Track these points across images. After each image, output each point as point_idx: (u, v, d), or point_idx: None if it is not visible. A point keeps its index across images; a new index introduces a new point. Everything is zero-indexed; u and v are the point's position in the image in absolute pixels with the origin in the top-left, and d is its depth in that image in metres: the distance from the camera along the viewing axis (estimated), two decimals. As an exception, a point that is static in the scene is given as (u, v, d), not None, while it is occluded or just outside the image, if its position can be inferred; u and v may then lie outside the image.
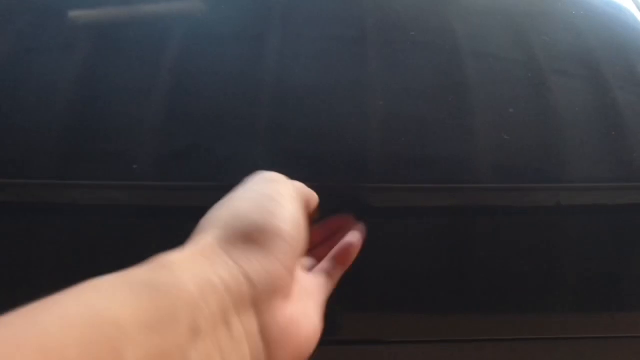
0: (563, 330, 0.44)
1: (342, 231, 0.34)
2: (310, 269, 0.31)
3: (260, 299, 0.23)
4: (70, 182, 0.40)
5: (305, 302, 0.26)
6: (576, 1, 0.56)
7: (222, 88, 0.46)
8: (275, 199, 0.26)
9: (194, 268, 0.21)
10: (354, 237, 0.32)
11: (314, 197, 0.31)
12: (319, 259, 0.32)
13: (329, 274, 0.30)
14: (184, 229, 0.25)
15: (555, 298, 0.43)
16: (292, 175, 0.31)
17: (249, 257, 0.23)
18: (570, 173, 0.44)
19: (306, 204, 0.30)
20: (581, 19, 0.54)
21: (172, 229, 0.29)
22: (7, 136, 0.42)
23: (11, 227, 0.41)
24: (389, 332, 0.43)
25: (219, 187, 0.30)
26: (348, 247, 0.31)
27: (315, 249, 0.33)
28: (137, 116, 0.44)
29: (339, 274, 0.31)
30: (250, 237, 0.24)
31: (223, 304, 0.21)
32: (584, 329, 0.44)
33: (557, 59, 0.49)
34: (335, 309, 0.41)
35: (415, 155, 0.43)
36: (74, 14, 0.51)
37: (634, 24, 0.54)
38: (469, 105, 0.46)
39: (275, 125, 0.44)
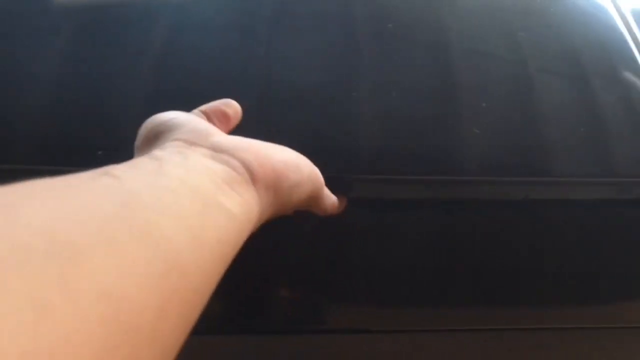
0: (541, 321, 0.45)
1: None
2: None
3: (193, 143, 0.26)
4: (35, 167, 0.41)
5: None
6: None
7: (202, 79, 0.46)
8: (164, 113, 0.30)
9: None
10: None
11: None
12: None
13: None
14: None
15: (536, 289, 0.44)
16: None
17: (170, 136, 0.27)
18: (540, 167, 0.45)
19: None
20: (558, 15, 0.54)
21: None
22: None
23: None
24: (376, 322, 0.44)
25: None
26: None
27: None
28: (106, 103, 0.44)
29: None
30: (157, 134, 0.28)
31: (163, 152, 0.24)
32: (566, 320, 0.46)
33: (532, 55, 0.50)
34: (323, 298, 0.42)
35: (395, 148, 0.44)
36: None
37: (610, 21, 0.54)
38: (443, 100, 0.47)
39: (263, 119, 0.44)
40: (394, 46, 0.49)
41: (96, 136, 0.43)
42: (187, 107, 0.33)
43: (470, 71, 0.48)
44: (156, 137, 0.28)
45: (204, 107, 0.34)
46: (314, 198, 0.33)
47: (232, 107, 0.34)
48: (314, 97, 0.46)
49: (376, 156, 0.44)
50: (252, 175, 0.25)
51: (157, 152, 0.24)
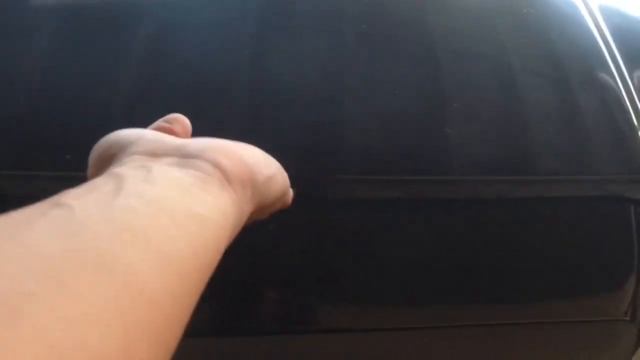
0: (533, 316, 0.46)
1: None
2: None
3: (154, 153, 0.24)
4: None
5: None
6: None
7: (185, 80, 0.46)
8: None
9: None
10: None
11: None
12: None
13: None
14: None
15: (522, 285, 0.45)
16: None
17: (126, 152, 0.25)
18: (510, 166, 0.45)
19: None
20: (530, 17, 0.55)
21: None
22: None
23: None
24: (363, 321, 0.44)
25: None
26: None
27: None
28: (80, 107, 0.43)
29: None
30: (111, 156, 0.25)
31: (122, 167, 0.22)
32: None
33: (501, 54, 0.51)
34: (310, 299, 0.42)
35: (378, 149, 0.44)
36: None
37: (579, 18, 0.55)
38: (418, 101, 0.47)
39: (249, 118, 0.44)
40: (378, 50, 0.49)
41: (65, 139, 0.42)
42: (165, 110, 0.32)
43: (446, 71, 0.49)
44: (110, 159, 0.25)
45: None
46: (285, 194, 0.31)
47: (179, 122, 0.30)
48: (296, 99, 0.46)
49: (360, 157, 0.44)
50: (225, 174, 0.23)
51: (115, 169, 0.22)
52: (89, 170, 0.26)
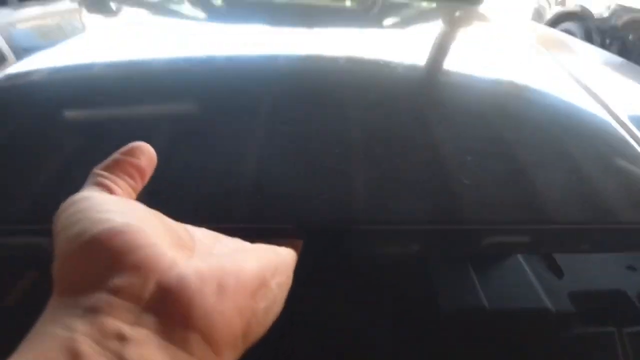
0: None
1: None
2: None
3: (138, 298, 0.20)
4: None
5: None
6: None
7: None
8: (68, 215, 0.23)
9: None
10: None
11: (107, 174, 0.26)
12: None
13: None
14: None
15: None
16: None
17: (107, 275, 0.20)
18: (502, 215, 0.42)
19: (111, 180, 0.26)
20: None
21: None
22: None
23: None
24: None
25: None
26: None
27: None
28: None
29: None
30: (95, 262, 0.21)
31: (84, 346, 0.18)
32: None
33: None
34: None
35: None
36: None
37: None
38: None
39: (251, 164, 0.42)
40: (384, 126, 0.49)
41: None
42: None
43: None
44: (97, 269, 0.20)
45: (103, 166, 0.26)
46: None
47: (144, 154, 0.26)
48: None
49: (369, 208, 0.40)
50: (215, 347, 0.20)
51: (77, 338, 0.18)
52: (60, 263, 0.21)
